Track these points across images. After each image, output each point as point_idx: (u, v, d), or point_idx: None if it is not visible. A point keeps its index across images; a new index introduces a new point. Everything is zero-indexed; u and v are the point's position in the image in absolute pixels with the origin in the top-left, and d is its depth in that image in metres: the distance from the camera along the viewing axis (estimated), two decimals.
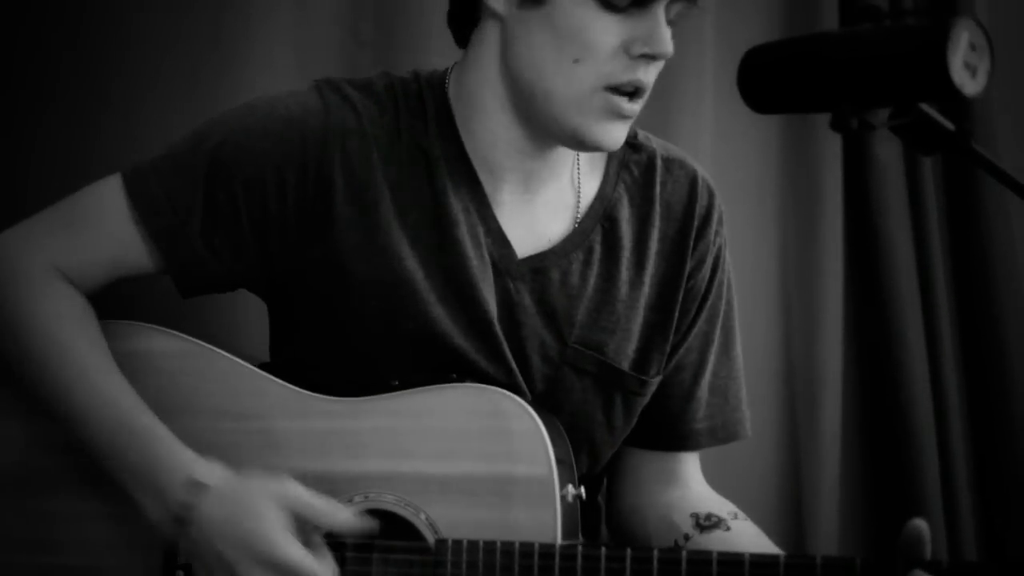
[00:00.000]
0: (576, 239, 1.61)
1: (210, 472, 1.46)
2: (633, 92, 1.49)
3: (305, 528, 1.44)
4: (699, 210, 1.66)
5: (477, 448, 1.49)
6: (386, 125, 1.56)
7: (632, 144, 1.66)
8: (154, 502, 1.47)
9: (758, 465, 2.52)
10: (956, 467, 2.62)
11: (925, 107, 1.17)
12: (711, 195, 1.68)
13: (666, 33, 1.47)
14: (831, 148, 2.58)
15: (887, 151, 2.59)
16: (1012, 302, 2.68)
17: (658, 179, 1.65)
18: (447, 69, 1.61)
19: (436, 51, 2.10)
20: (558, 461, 1.48)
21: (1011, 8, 2.80)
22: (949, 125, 1.18)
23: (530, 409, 1.49)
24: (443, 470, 1.49)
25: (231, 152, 1.53)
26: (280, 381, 1.55)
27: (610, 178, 1.64)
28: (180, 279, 1.57)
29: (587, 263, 1.61)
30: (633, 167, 1.65)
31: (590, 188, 1.64)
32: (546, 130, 1.53)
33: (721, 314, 1.70)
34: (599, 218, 1.62)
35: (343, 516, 1.45)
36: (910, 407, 2.58)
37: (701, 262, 1.66)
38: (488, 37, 1.54)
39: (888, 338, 2.60)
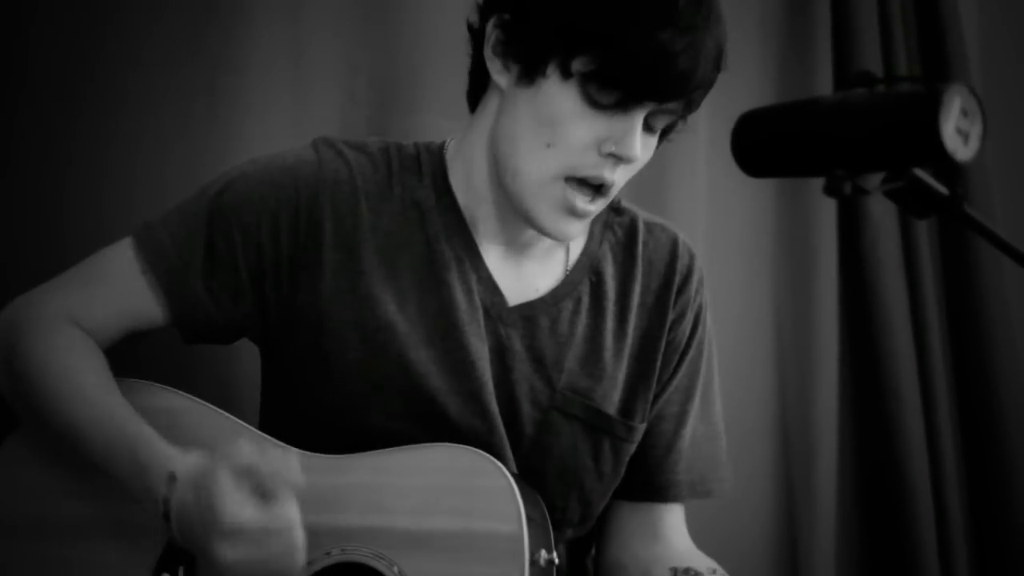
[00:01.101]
0: (565, 289, 1.66)
1: (183, 461, 1.46)
2: (598, 188, 1.54)
3: (259, 483, 1.40)
4: (680, 267, 1.71)
5: (450, 505, 1.51)
6: (378, 180, 1.62)
7: (615, 208, 1.72)
8: (150, 503, 1.47)
9: (753, 521, 2.51)
10: (952, 521, 2.62)
11: (918, 171, 1.17)
12: (691, 256, 1.73)
13: (637, 138, 1.51)
14: (826, 206, 2.59)
15: (881, 210, 2.60)
16: (1007, 358, 2.69)
17: (640, 239, 1.71)
18: (447, 139, 1.68)
19: (429, 111, 2.13)
20: (530, 522, 1.50)
21: (1005, 73, 2.82)
22: (942, 189, 1.18)
23: (503, 468, 1.52)
24: (417, 525, 1.52)
25: (230, 198, 1.59)
26: (266, 436, 1.58)
27: (595, 236, 1.70)
28: (182, 324, 1.61)
29: (575, 312, 1.66)
30: (616, 228, 1.71)
31: (576, 245, 1.69)
32: (510, 203, 1.59)
33: (701, 374, 1.74)
34: (586, 271, 1.68)
35: (280, 458, 1.42)
36: (906, 463, 2.58)
37: (681, 316, 1.71)
38: (489, 106, 1.60)
39: (883, 395, 2.60)
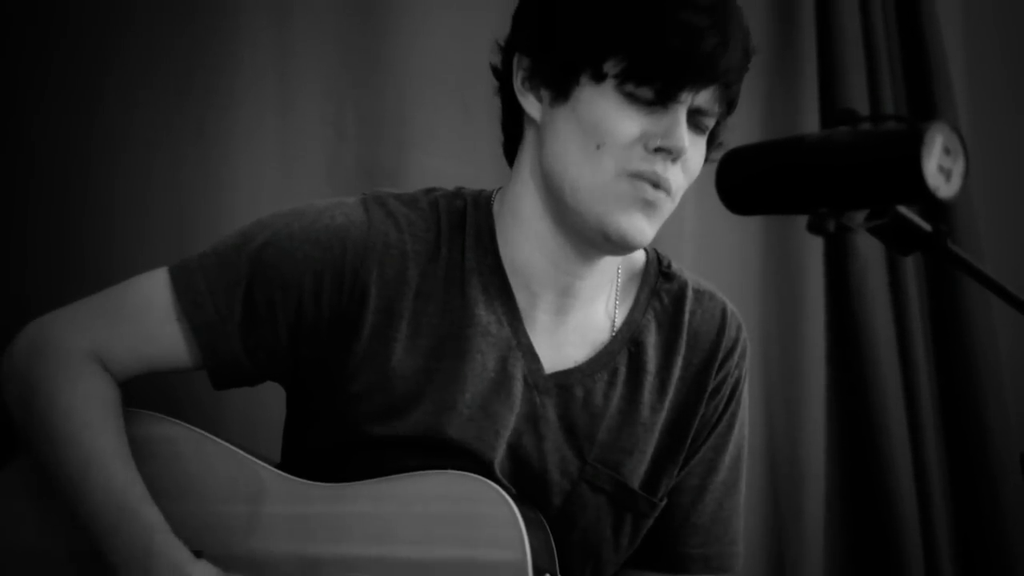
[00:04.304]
0: (602, 360, 1.63)
1: (203, 570, 1.49)
2: (656, 186, 1.51)
3: None
4: (726, 341, 1.68)
5: (454, 533, 1.51)
6: (428, 240, 1.59)
7: (665, 273, 1.69)
8: None
9: (743, 548, 2.50)
10: (940, 553, 2.62)
11: (902, 209, 1.17)
12: (739, 328, 1.70)
13: (683, 129, 1.49)
14: (813, 241, 2.60)
15: (868, 243, 2.61)
16: (994, 393, 2.69)
17: (687, 308, 1.67)
18: (495, 189, 1.65)
19: (418, 146, 2.13)
20: (534, 548, 1.49)
21: (992, 110, 2.84)
22: (926, 226, 1.18)
23: (506, 496, 1.51)
24: (422, 554, 1.51)
25: (273, 255, 1.55)
26: (268, 466, 1.58)
27: (640, 304, 1.67)
28: (215, 374, 1.60)
29: (611, 384, 1.63)
30: (664, 295, 1.68)
31: (620, 312, 1.66)
32: (576, 230, 1.55)
33: (730, 447, 1.71)
34: (626, 341, 1.64)
35: None
36: (894, 492, 2.58)
37: (718, 390, 1.68)
38: (527, 148, 1.58)
39: (871, 428, 2.60)
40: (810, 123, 2.56)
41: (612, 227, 1.51)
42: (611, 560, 1.66)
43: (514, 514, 1.49)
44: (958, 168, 1.12)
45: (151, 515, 1.51)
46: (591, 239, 1.55)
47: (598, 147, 1.49)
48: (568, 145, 1.51)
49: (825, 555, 2.59)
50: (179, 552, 1.49)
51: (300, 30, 2.09)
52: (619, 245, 1.54)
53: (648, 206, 1.51)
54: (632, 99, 1.49)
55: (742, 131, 2.48)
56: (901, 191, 1.12)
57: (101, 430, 1.54)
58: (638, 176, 1.49)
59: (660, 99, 1.48)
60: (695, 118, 1.51)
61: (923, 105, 2.66)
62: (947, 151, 1.11)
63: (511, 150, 1.63)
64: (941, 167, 1.11)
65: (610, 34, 1.47)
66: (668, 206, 1.53)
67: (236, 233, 1.60)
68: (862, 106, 2.56)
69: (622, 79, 1.48)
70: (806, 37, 2.61)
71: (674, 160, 1.50)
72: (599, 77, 1.49)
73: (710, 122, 1.54)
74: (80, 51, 1.94)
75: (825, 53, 2.61)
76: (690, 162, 1.52)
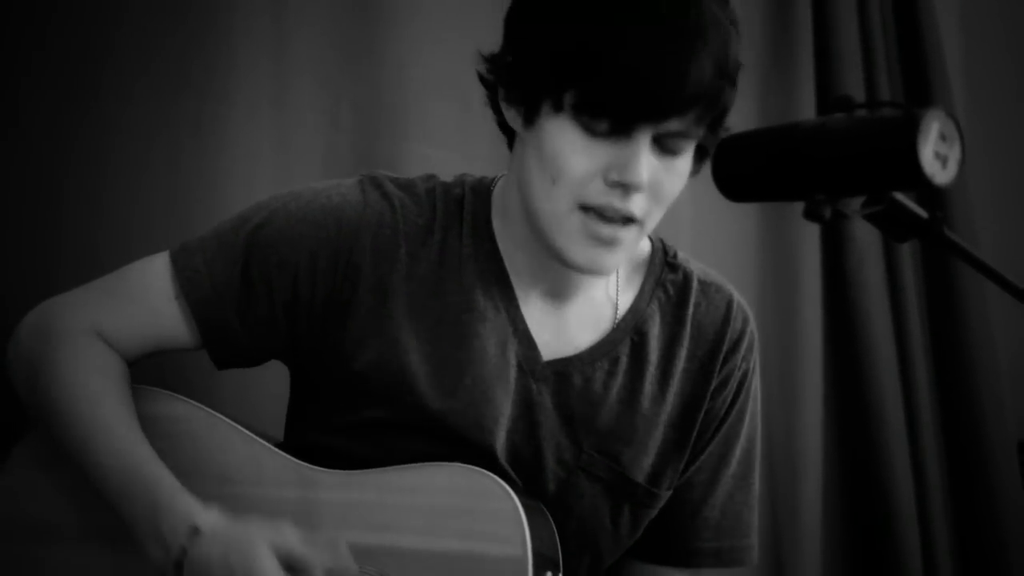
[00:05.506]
0: (603, 348, 1.63)
1: (207, 517, 1.48)
2: (621, 220, 1.48)
3: (296, 571, 1.45)
4: (731, 334, 1.66)
5: (456, 526, 1.51)
6: (421, 224, 1.59)
7: (671, 264, 1.68)
8: (156, 546, 1.49)
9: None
10: (937, 540, 2.63)
11: (898, 195, 1.18)
12: (745, 321, 1.68)
13: (641, 164, 1.44)
14: (809, 229, 2.60)
15: (865, 232, 2.61)
16: (990, 379, 2.70)
17: (692, 300, 1.66)
18: (497, 176, 1.64)
19: (414, 138, 2.13)
20: (537, 546, 1.50)
21: (988, 97, 2.84)
22: (922, 213, 1.19)
23: (510, 491, 1.51)
24: (422, 546, 1.52)
25: (269, 234, 1.57)
26: (275, 450, 1.59)
27: (645, 294, 1.65)
28: (215, 352, 1.61)
29: (611, 373, 1.62)
30: (669, 286, 1.67)
31: (624, 301, 1.65)
32: (543, 247, 1.55)
33: (741, 439, 1.70)
34: (629, 331, 1.64)
35: (330, 559, 1.47)
36: (890, 483, 2.58)
37: (724, 384, 1.67)
38: (516, 151, 1.58)
39: (868, 416, 2.61)
40: (806, 110, 2.56)
41: (569, 258, 1.51)
42: (610, 550, 1.66)
43: (517, 510, 1.49)
44: (954, 155, 1.13)
45: (156, 471, 1.51)
46: (554, 259, 1.54)
47: (553, 181, 1.48)
48: (530, 172, 1.51)
49: (822, 544, 2.60)
50: (187, 503, 1.49)
51: (295, 22, 2.09)
52: (579, 271, 1.54)
53: (607, 242, 1.49)
54: (591, 132, 1.46)
55: (738, 118, 2.48)
56: (897, 177, 1.13)
57: (102, 398, 1.55)
58: (594, 210, 1.47)
59: (615, 132, 1.45)
60: (665, 142, 1.47)
61: (919, 93, 2.66)
62: (943, 137, 1.12)
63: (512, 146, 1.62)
64: (937, 153, 1.11)
65: (564, 66, 1.44)
66: (633, 235, 1.50)
67: (235, 215, 1.62)
68: (858, 94, 2.56)
69: (577, 111, 1.45)
70: (802, 24, 2.62)
71: (633, 193, 1.46)
72: (559, 107, 1.46)
73: (687, 144, 1.49)
74: (76, 43, 1.94)
75: (821, 40, 2.61)
76: (663, 187, 1.48)
